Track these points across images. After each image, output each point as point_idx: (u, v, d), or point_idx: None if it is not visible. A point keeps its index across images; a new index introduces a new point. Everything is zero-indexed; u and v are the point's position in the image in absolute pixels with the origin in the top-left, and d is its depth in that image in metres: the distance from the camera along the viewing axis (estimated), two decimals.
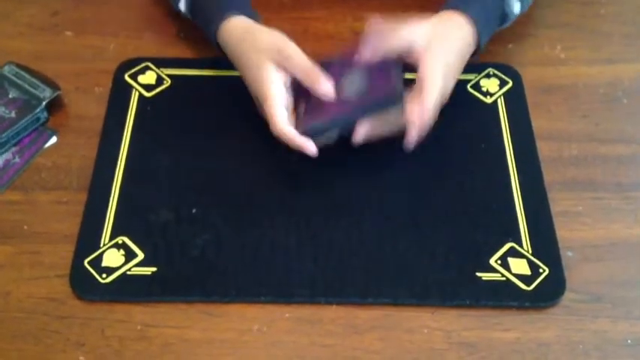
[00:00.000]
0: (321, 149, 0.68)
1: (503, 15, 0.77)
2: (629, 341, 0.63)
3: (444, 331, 0.63)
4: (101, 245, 0.67)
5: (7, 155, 0.73)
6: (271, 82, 0.69)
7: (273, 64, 0.69)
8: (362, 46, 0.70)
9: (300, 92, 0.70)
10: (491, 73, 0.81)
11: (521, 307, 0.64)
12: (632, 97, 0.80)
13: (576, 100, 0.80)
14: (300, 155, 0.68)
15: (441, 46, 0.69)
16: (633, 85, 0.81)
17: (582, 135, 0.77)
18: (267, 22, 0.75)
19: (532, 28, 0.86)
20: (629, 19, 0.89)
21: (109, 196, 0.70)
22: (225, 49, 0.75)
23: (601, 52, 0.85)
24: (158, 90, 0.79)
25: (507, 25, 0.79)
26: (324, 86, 0.68)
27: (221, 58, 0.79)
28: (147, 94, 0.78)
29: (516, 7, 0.78)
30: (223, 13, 0.74)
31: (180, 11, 0.81)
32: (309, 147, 0.67)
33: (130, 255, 0.66)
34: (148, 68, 0.81)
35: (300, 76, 0.69)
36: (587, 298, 0.65)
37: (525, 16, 0.86)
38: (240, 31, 0.73)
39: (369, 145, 0.73)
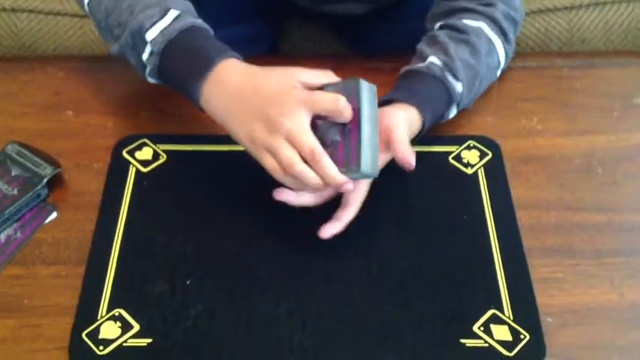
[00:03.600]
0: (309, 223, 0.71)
1: (441, 118, 0.84)
2: None
3: None
4: (98, 317, 0.69)
5: (9, 231, 0.76)
6: (304, 116, 0.69)
7: (302, 99, 0.69)
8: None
9: None
10: (471, 145, 0.85)
11: None
12: (606, 166, 0.84)
13: (553, 170, 0.84)
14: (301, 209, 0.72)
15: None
16: (607, 156, 0.85)
17: (559, 204, 0.80)
18: None
19: (510, 101, 0.90)
20: (602, 92, 0.93)
21: (107, 269, 0.73)
22: (224, 88, 0.73)
23: (576, 123, 0.89)
24: (154, 165, 0.82)
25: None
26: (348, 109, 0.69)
27: (214, 135, 0.83)
28: (143, 170, 0.82)
29: (452, 114, 0.85)
30: (217, 56, 0.74)
31: (142, 37, 0.77)
32: (349, 183, 0.70)
33: (126, 327, 0.68)
34: (144, 144, 0.84)
35: (329, 106, 0.69)
36: None
37: (503, 90, 0.91)
38: (243, 66, 0.74)
39: (357, 216, 0.76)
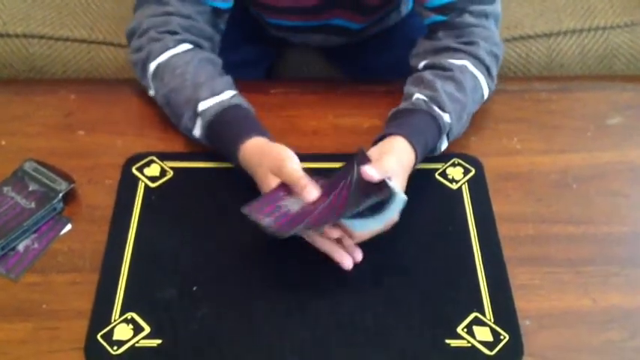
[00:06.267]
0: None
1: (433, 149, 0.89)
2: None
3: None
4: (112, 320, 0.74)
5: (27, 242, 0.82)
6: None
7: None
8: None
9: None
10: (456, 162, 0.91)
11: None
12: (580, 182, 0.90)
13: (531, 185, 0.89)
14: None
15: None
16: (581, 173, 0.91)
17: (537, 216, 0.86)
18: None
19: (492, 122, 0.96)
20: (576, 114, 0.99)
21: (119, 276, 0.78)
22: (244, 164, 0.85)
23: (552, 143, 0.95)
24: (162, 181, 0.88)
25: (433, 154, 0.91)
26: (310, 193, 0.77)
27: (216, 152, 0.89)
28: (152, 185, 0.88)
29: (444, 146, 0.90)
30: (243, 136, 0.84)
31: (194, 137, 0.89)
32: (311, 191, 0.77)
33: (137, 329, 0.74)
34: (152, 162, 0.90)
35: (290, 183, 0.78)
36: None
37: (485, 112, 0.97)
38: (255, 149, 0.84)
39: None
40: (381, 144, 0.84)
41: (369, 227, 0.77)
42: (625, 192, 0.90)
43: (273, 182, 0.80)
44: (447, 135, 0.89)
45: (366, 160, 0.77)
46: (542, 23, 1.19)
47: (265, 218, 0.77)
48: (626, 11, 1.20)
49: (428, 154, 0.88)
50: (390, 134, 0.85)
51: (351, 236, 0.78)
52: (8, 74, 1.15)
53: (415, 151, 0.84)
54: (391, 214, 0.76)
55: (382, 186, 0.75)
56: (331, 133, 0.95)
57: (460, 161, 0.91)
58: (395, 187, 0.75)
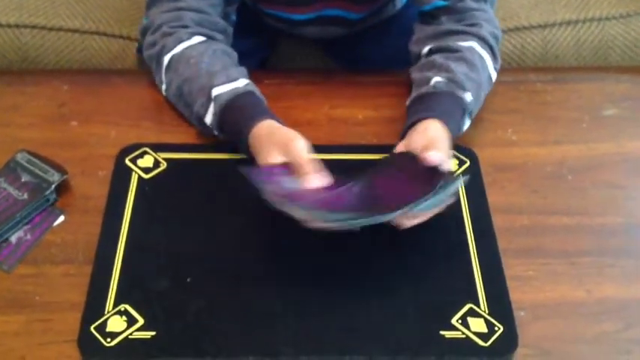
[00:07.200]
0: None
1: (458, 130, 0.89)
2: None
3: None
4: (105, 312, 0.74)
5: (20, 233, 0.81)
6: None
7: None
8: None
9: None
10: (451, 153, 0.91)
11: None
12: (576, 174, 0.90)
13: (527, 177, 0.89)
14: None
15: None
16: (577, 164, 0.91)
17: (532, 208, 0.86)
18: None
19: (486, 113, 0.96)
20: (572, 105, 0.99)
21: (112, 267, 0.78)
22: (252, 147, 0.83)
23: (548, 134, 0.95)
24: (155, 172, 0.88)
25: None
26: (312, 180, 0.77)
27: (209, 144, 0.89)
28: (145, 176, 0.87)
29: (466, 126, 0.91)
30: (255, 119, 0.84)
31: (205, 125, 0.88)
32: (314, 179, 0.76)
33: (131, 321, 0.74)
34: (146, 153, 0.90)
35: (294, 164, 0.78)
36: (537, 352, 0.73)
37: None
38: (265, 130, 0.83)
39: None
40: (420, 130, 0.84)
41: (429, 209, 0.78)
42: (620, 183, 0.90)
43: (274, 161, 0.79)
44: (469, 114, 0.89)
45: (414, 156, 0.80)
46: (537, 14, 1.19)
47: (262, 183, 0.76)
48: (621, 2, 1.20)
49: (455, 136, 0.88)
50: (424, 118, 0.85)
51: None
52: (0, 65, 1.14)
53: (449, 133, 0.84)
54: (450, 194, 0.78)
55: (437, 171, 0.77)
56: (325, 125, 0.95)
57: (455, 152, 0.90)
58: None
